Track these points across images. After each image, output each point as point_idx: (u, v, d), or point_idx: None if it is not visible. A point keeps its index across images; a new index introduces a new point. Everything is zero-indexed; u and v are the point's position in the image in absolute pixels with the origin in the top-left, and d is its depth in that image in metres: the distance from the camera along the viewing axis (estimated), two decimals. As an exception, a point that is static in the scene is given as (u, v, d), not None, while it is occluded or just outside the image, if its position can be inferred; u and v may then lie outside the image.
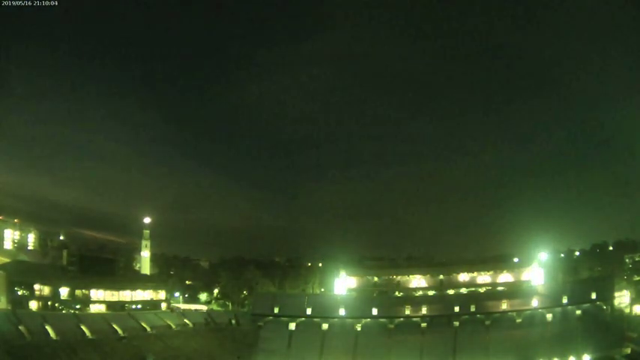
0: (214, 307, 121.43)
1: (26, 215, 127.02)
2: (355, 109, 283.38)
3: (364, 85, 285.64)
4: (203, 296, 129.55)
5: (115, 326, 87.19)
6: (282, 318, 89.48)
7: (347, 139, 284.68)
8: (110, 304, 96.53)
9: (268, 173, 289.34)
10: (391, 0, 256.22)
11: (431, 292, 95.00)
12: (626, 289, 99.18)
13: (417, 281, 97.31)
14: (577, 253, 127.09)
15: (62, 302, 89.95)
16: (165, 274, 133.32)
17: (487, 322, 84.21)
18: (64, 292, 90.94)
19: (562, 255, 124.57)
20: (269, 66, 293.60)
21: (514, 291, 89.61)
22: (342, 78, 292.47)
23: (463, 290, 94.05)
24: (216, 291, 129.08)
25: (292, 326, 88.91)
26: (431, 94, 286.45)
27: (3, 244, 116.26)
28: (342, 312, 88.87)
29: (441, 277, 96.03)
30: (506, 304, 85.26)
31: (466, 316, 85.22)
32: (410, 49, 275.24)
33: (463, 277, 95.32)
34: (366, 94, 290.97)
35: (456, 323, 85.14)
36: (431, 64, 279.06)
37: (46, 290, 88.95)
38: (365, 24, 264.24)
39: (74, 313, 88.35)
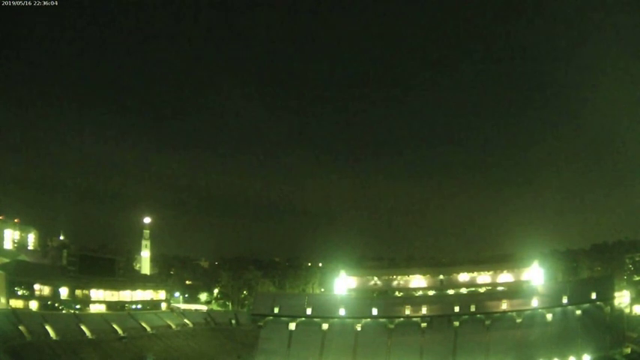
0: (214, 307, 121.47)
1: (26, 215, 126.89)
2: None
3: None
4: (203, 296, 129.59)
5: (115, 326, 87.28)
6: (282, 318, 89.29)
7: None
8: (110, 304, 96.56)
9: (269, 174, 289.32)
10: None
11: (431, 292, 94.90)
12: (626, 289, 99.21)
13: (417, 281, 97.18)
14: (577, 254, 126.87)
15: (62, 302, 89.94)
16: (165, 274, 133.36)
17: (487, 322, 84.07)
18: (64, 292, 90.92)
19: (562, 255, 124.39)
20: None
21: (514, 291, 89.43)
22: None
23: (463, 290, 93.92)
24: (216, 291, 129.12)
25: (292, 326, 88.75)
26: (431, 95, 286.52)
27: (3, 244, 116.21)
28: (342, 312, 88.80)
29: (441, 277, 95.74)
30: (506, 304, 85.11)
31: (466, 316, 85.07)
32: (410, 55, 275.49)
33: (463, 277, 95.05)
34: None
35: (456, 323, 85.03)
36: (428, 67, 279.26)
37: (46, 290, 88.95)
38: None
39: (74, 313, 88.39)
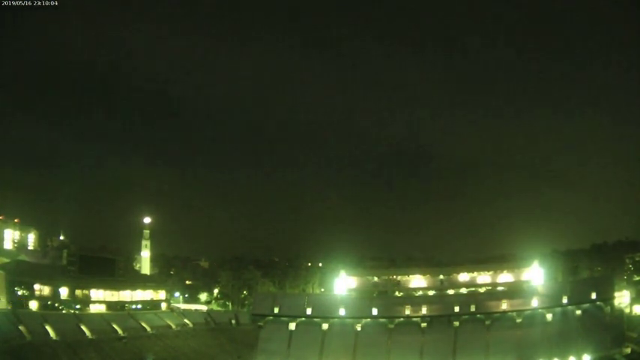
0: (214, 307, 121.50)
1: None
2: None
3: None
4: (203, 296, 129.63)
5: (115, 326, 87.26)
6: (282, 318, 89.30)
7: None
8: (110, 304, 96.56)
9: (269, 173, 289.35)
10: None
11: (431, 292, 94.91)
12: (626, 289, 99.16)
13: (417, 281, 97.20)
14: (577, 254, 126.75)
15: (62, 302, 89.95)
16: (165, 274, 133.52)
17: (487, 322, 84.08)
18: (64, 292, 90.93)
19: (562, 255, 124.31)
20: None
21: (514, 291, 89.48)
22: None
23: (463, 290, 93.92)
24: (216, 291, 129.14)
25: (292, 326, 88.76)
26: (429, 93, 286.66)
27: (3, 244, 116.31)
28: (342, 312, 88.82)
29: (441, 277, 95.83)
30: (506, 304, 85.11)
31: (466, 316, 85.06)
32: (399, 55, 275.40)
33: (463, 277, 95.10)
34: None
35: (456, 323, 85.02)
36: (423, 64, 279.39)
37: (46, 290, 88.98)
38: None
39: (74, 313, 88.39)
